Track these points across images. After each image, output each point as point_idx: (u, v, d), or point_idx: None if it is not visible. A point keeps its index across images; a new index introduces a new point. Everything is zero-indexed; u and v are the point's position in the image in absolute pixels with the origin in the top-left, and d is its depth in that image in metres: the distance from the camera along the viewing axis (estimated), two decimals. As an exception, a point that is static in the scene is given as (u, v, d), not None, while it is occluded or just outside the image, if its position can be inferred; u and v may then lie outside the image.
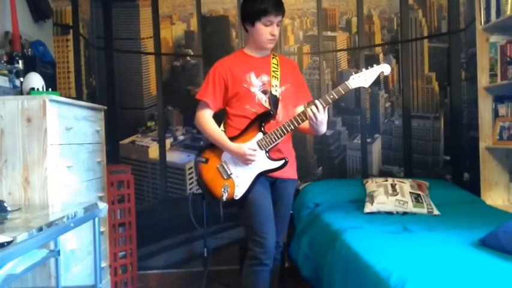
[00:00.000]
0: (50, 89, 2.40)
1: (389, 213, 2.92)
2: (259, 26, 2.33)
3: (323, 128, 2.31)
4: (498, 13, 3.01)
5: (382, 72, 2.27)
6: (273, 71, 2.39)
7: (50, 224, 1.63)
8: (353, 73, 2.27)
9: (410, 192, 3.03)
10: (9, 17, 2.52)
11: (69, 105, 2.42)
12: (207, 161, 2.39)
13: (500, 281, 1.59)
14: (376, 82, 3.76)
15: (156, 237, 3.67)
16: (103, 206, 2.16)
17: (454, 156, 3.76)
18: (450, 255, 1.90)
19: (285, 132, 2.28)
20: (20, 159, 2.15)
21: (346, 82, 2.25)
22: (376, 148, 3.80)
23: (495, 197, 3.21)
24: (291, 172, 2.45)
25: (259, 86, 2.36)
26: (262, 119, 2.33)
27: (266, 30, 2.33)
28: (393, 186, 3.08)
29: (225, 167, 2.34)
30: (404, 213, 2.92)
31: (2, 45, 2.49)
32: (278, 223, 2.39)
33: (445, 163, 3.79)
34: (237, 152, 2.29)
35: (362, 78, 2.25)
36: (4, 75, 2.38)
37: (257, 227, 2.28)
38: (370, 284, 1.83)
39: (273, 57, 2.45)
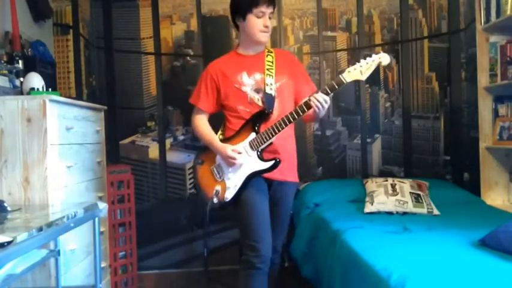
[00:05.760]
0: (50, 89, 2.40)
1: (390, 213, 2.92)
2: (251, 18, 2.24)
3: (324, 113, 2.18)
4: (498, 13, 3.00)
5: (381, 62, 2.07)
6: (267, 69, 2.29)
7: (50, 224, 1.63)
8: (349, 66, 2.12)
9: (410, 192, 3.02)
10: (9, 17, 2.52)
11: (69, 105, 2.42)
12: (202, 162, 2.36)
13: (500, 281, 1.59)
14: (376, 82, 3.82)
15: (156, 237, 3.67)
16: (103, 206, 2.16)
17: (454, 156, 3.76)
18: (450, 255, 1.90)
19: (277, 131, 2.16)
20: (20, 159, 2.15)
21: (340, 76, 2.09)
22: (376, 148, 3.80)
23: (495, 197, 3.21)
24: (289, 174, 2.35)
25: (252, 85, 2.28)
26: (256, 119, 2.25)
27: (259, 22, 2.24)
28: (393, 186, 3.08)
29: (218, 169, 2.29)
30: (404, 213, 2.91)
31: (2, 45, 2.49)
32: (276, 227, 2.29)
33: (445, 163, 3.79)
34: (221, 151, 2.24)
35: (358, 71, 2.07)
36: (4, 75, 2.38)
37: (250, 231, 2.16)
38: (370, 283, 1.83)
39: (267, 55, 2.34)
